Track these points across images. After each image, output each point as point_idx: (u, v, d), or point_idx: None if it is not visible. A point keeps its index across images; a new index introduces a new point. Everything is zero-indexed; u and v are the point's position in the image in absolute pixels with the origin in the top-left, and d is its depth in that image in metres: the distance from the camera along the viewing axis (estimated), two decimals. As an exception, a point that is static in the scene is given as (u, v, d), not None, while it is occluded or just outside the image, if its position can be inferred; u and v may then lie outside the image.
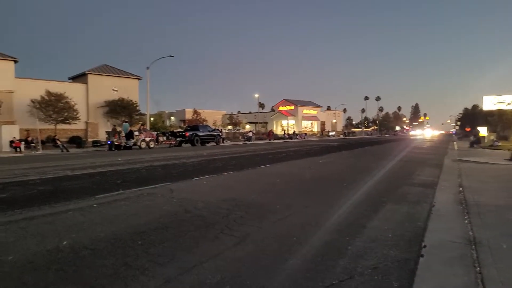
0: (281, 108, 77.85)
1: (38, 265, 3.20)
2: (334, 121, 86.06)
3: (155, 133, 30.05)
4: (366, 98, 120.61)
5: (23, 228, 4.40)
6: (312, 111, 78.82)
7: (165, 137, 30.18)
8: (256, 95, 65.53)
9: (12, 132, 23.37)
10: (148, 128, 30.56)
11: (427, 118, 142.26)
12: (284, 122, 75.41)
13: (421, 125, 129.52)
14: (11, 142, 21.84)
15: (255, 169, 11.31)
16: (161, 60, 32.89)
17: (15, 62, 29.74)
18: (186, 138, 29.04)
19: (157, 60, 32.67)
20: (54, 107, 28.05)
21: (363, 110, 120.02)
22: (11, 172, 10.41)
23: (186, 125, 45.49)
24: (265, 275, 3.03)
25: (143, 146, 25.28)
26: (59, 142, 23.87)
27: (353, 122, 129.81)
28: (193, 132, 29.64)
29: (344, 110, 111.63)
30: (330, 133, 70.32)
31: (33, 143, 22.84)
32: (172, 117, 77.42)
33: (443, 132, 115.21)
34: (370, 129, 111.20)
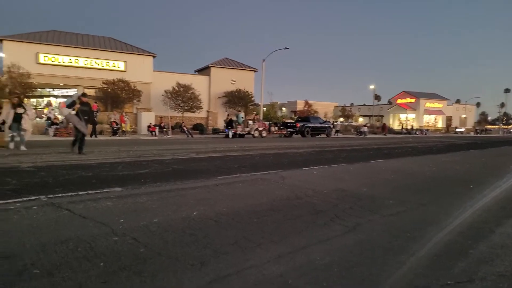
0: (399, 101, 72.39)
1: (175, 228, 3.85)
2: (464, 116, 76.10)
3: (268, 123, 31.33)
4: (507, 90, 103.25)
5: (163, 198, 5.27)
6: (436, 105, 71.22)
7: (276, 127, 31.24)
8: (372, 87, 62.35)
9: (149, 118, 27.26)
10: (261, 118, 32.06)
11: None
12: (403, 116, 70.08)
13: None
14: (148, 126, 25.48)
15: (367, 163, 10.99)
16: (276, 53, 33.96)
17: (154, 57, 34.30)
18: (297, 129, 29.55)
19: (273, 52, 33.85)
20: (182, 97, 31.55)
21: (502, 105, 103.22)
22: (150, 152, 12.26)
23: (297, 116, 46.17)
24: (372, 265, 3.07)
25: (256, 135, 26.68)
26: (185, 128, 26.90)
27: (488, 118, 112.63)
28: (304, 123, 29.99)
29: (477, 104, 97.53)
30: (458, 130, 62.46)
31: (165, 128, 26.26)
32: (283, 108, 79.27)
33: None
34: (510, 126, 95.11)
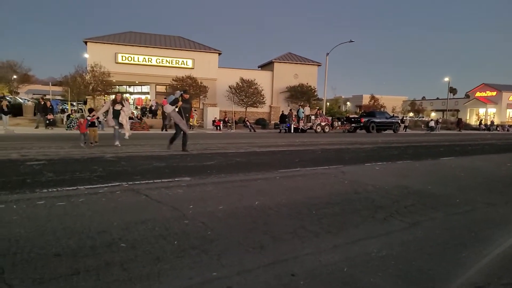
0: (478, 94, 66.21)
1: (238, 215, 4.17)
2: (560, 110, 67.24)
3: (330, 118, 30.88)
4: None
5: (227, 188, 5.66)
6: (522, 98, 63.98)
7: (340, 122, 30.65)
8: (447, 79, 57.91)
9: (214, 113, 28.43)
10: (324, 113, 31.65)
11: None
12: (482, 111, 64.15)
13: None
14: (213, 121, 26.60)
15: (435, 160, 10.46)
16: (340, 46, 33.18)
17: (219, 54, 35.57)
18: (361, 124, 28.72)
19: (337, 46, 33.16)
20: (245, 92, 32.34)
21: None
22: (215, 145, 12.93)
23: (362, 111, 44.68)
24: (431, 261, 3.08)
25: (318, 130, 26.47)
26: (248, 123, 27.61)
27: None
28: (369, 119, 29.04)
29: None
30: (552, 127, 55.45)
31: (229, 122, 27.21)
32: (348, 103, 77.09)
33: None
34: None
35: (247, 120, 28.40)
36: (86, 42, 31.14)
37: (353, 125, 29.14)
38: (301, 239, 3.47)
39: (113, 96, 16.98)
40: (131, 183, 5.72)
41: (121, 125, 11.24)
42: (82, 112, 29.83)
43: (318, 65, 39.87)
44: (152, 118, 26.91)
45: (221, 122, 26.54)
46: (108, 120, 11.25)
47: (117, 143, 11.12)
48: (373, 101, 57.96)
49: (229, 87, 32.38)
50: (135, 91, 37.10)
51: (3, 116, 17.93)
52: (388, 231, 3.82)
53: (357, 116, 32.52)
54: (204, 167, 7.67)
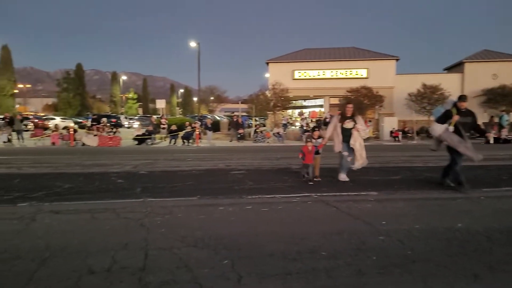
0: None
1: (439, 237, 3.83)
2: None
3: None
4: None
5: (421, 206, 5.31)
6: None
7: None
8: None
9: (392, 123, 26.86)
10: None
11: None
12: None
13: None
14: (391, 132, 25.16)
15: None
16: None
17: (396, 60, 33.63)
18: None
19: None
20: (428, 99, 29.33)
21: None
22: (398, 158, 12.21)
23: None
24: None
25: (529, 140, 21.50)
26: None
27: None
28: None
29: None
30: None
31: (409, 133, 25.21)
32: None
33: None
34: None
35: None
36: (267, 63, 34.78)
37: None
38: (527, 274, 2.93)
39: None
40: (319, 194, 6.04)
41: (351, 150, 7.41)
42: (264, 126, 33.42)
43: (525, 60, 32.59)
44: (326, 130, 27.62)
45: (400, 132, 24.85)
46: (335, 144, 7.54)
47: (343, 176, 7.48)
48: None
49: (409, 94, 30.05)
50: (309, 104, 38.96)
51: (208, 131, 21.86)
52: None
53: None
54: (389, 181, 7.37)
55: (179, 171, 8.99)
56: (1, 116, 29.62)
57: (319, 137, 8.07)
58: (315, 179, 7.38)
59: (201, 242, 3.69)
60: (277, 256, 3.35)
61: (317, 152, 7.61)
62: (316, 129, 9.21)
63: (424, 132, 26.52)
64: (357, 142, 7.38)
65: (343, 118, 7.50)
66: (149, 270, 3.01)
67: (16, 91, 49.20)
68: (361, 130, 7.47)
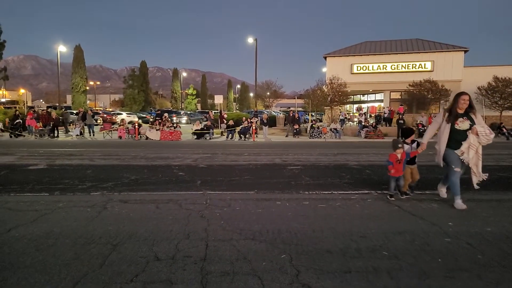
0: None
1: (515, 243, 3.54)
2: None
3: None
4: None
5: (493, 207, 4.97)
6: None
7: None
8: None
9: (460, 118, 24.98)
10: None
11: None
12: None
13: None
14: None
15: None
16: None
17: (465, 51, 31.15)
18: None
19: None
20: (501, 93, 26.86)
21: None
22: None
23: None
24: None
25: None
26: (505, 130, 22.80)
27: None
28: None
29: None
30: None
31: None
32: None
33: None
34: None
35: (503, 126, 23.47)
36: (325, 58, 34.11)
37: None
38: None
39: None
40: (380, 192, 5.85)
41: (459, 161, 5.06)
42: (321, 121, 32.89)
43: None
44: (386, 125, 26.46)
45: (468, 129, 22.98)
46: (439, 151, 5.20)
47: (459, 202, 4.96)
48: None
49: (478, 88, 27.76)
50: (368, 99, 37.55)
51: (264, 127, 22.07)
52: None
53: None
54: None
55: (237, 165, 9.21)
56: (75, 111, 32.45)
57: (413, 141, 5.70)
58: (405, 195, 5.50)
59: (259, 236, 3.77)
60: (336, 253, 3.32)
61: (410, 161, 5.56)
62: (411, 133, 5.86)
63: (496, 128, 24.34)
64: (472, 150, 4.88)
65: (453, 116, 5.04)
66: (210, 260, 3.15)
67: (87, 88, 53.43)
68: (481, 135, 4.82)
